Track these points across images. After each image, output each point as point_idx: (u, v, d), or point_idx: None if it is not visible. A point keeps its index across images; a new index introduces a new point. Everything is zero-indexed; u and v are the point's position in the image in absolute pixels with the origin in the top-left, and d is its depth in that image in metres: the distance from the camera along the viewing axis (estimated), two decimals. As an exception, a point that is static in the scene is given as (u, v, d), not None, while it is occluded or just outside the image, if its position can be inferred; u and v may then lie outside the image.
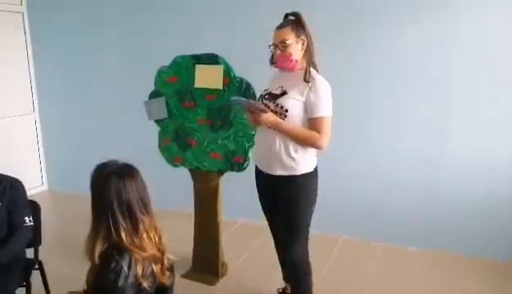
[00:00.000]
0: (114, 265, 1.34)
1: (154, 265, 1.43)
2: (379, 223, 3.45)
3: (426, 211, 3.30)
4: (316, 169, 2.20)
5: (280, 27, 2.11)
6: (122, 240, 1.38)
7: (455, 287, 2.86)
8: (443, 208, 3.25)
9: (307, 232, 2.25)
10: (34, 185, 4.81)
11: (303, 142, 2.09)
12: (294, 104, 2.07)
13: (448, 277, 2.97)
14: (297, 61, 2.12)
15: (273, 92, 2.15)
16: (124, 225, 1.39)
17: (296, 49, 2.09)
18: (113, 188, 1.40)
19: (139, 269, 1.38)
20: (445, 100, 3.13)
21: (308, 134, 2.06)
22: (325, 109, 2.05)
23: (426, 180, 3.27)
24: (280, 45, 2.09)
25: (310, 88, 2.03)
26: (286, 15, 2.14)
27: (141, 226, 1.43)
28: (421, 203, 3.31)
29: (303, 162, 2.12)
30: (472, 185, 3.14)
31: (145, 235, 1.43)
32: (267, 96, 2.18)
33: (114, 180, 1.41)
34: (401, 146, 3.30)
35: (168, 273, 1.51)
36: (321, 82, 2.06)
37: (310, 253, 2.31)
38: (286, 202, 2.18)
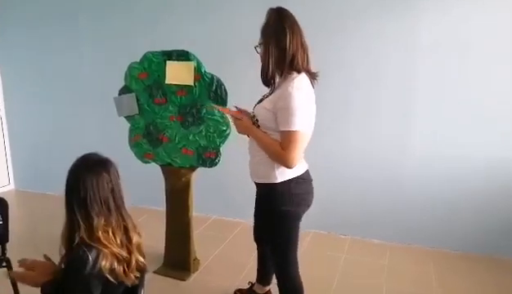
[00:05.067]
0: (81, 253, 1.37)
1: (116, 264, 1.41)
2: (347, 217, 3.56)
3: (390, 206, 3.41)
4: (297, 177, 1.94)
5: None
6: (82, 236, 1.40)
7: (419, 276, 2.97)
8: (405, 203, 3.37)
9: (296, 249, 2.05)
10: (1, 184, 4.70)
11: (270, 155, 1.88)
12: (263, 113, 1.89)
13: (412, 267, 3.09)
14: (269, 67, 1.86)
15: (262, 98, 1.97)
16: (81, 222, 1.40)
17: (262, 54, 1.89)
18: (73, 183, 1.42)
19: (105, 263, 1.38)
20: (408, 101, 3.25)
21: (273, 147, 1.84)
22: (291, 122, 1.76)
23: (390, 176, 3.38)
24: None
25: (279, 97, 1.81)
26: None
27: (95, 224, 1.40)
28: (384, 199, 3.42)
29: (279, 171, 1.89)
30: (432, 181, 3.27)
31: (101, 234, 1.40)
32: (258, 102, 2.00)
33: (76, 175, 1.43)
34: (368, 145, 3.40)
35: (133, 275, 1.47)
36: (292, 91, 1.76)
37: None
38: (267, 217, 2.04)
